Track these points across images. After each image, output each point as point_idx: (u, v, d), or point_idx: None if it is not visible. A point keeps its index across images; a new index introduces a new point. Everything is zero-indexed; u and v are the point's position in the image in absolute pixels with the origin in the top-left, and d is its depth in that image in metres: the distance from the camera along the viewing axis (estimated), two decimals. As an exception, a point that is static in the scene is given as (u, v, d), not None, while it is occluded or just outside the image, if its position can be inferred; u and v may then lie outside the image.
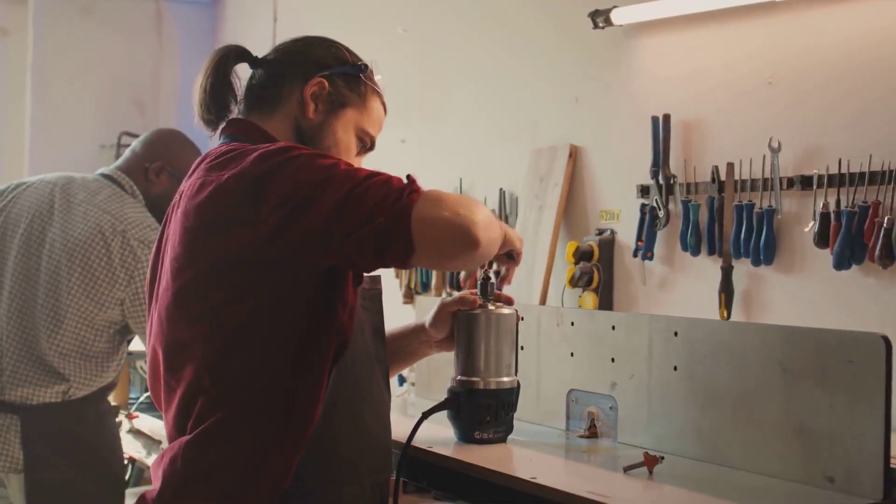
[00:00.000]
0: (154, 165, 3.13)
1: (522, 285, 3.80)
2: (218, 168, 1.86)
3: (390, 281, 4.72)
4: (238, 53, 2.08)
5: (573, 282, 3.60)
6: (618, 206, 3.63)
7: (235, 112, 2.10)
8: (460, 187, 4.28)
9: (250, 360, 1.86)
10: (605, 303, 3.58)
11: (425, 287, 4.54)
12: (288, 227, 1.76)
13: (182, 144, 3.21)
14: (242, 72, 2.12)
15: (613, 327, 2.50)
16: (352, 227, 1.74)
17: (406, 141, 4.69)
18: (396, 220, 1.73)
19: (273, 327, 1.86)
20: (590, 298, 3.59)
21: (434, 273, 4.46)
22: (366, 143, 2.12)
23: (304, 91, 2.02)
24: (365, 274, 1.97)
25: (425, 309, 2.61)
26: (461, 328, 2.34)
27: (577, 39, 3.73)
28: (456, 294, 2.41)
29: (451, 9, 4.47)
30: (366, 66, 2.09)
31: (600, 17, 3.51)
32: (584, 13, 3.54)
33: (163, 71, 6.30)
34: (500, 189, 4.08)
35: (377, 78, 2.12)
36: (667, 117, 3.36)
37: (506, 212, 4.06)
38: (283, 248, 1.79)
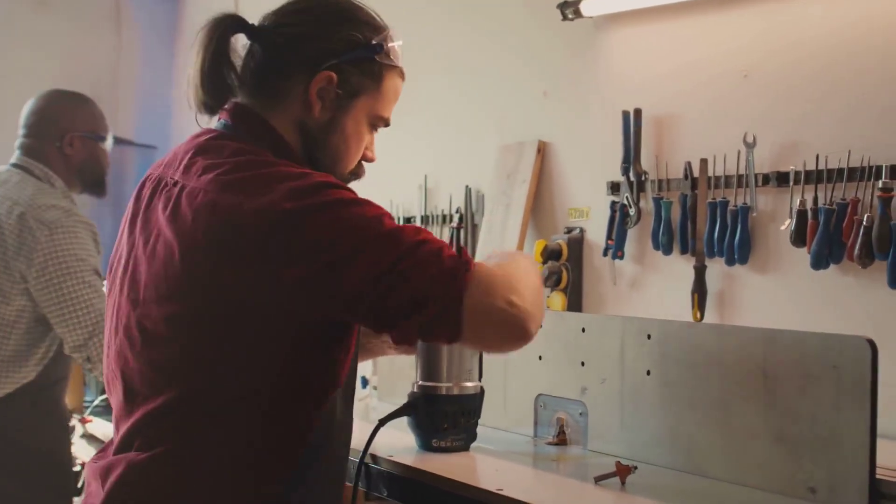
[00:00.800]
0: (66, 139, 3.09)
1: (489, 285, 3.68)
2: (234, 189, 1.63)
3: None
4: (235, 23, 1.81)
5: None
6: (587, 203, 3.54)
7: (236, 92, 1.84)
8: (425, 184, 4.17)
9: (235, 398, 1.69)
10: (574, 303, 3.48)
11: None
12: (315, 284, 1.58)
13: (75, 103, 3.13)
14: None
15: (584, 329, 2.41)
16: (394, 307, 1.57)
17: None
18: (447, 310, 1.56)
19: (264, 370, 1.69)
20: (558, 299, 3.49)
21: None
22: (378, 127, 1.90)
23: (308, 88, 1.79)
24: None
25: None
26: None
27: (546, 31, 3.64)
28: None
29: None
30: (381, 45, 1.82)
31: (569, 9, 3.42)
32: (553, 4, 3.45)
33: (122, 65, 6.14)
34: (466, 186, 3.98)
35: (395, 50, 1.85)
36: (638, 112, 3.28)
37: (471, 210, 3.95)
38: (302, 301, 1.61)
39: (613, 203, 3.37)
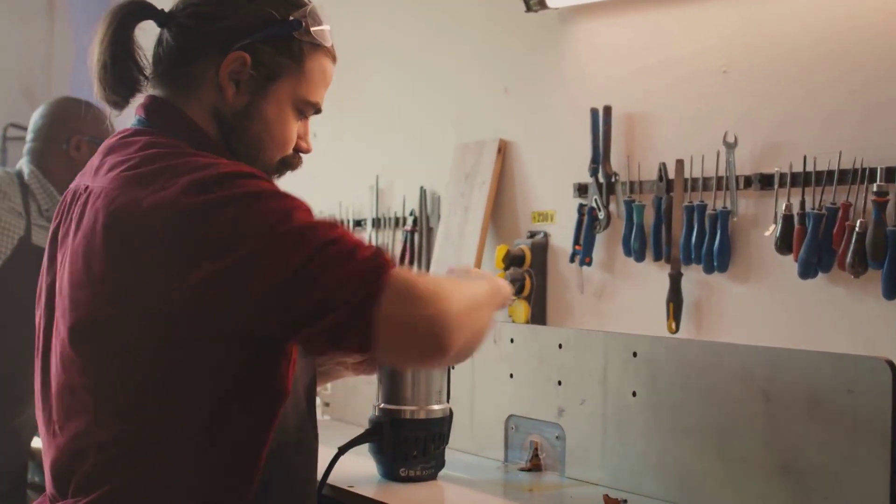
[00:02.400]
0: (72, 142, 3.15)
1: (447, 293, 3.48)
2: (135, 184, 1.52)
3: None
4: (141, 9, 1.70)
5: None
6: (552, 206, 3.38)
7: (146, 85, 1.74)
8: (376, 185, 4.01)
9: (161, 420, 1.55)
10: (538, 313, 3.32)
11: None
12: (219, 288, 1.46)
13: (84, 109, 3.10)
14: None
15: (561, 345, 2.25)
16: (297, 316, 1.45)
17: (317, 135, 4.33)
18: (355, 317, 1.42)
19: (192, 385, 1.54)
20: (521, 308, 3.30)
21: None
22: (307, 112, 1.77)
23: (219, 71, 1.67)
24: None
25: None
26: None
27: (508, 23, 3.47)
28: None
29: None
30: (300, 21, 1.70)
31: None
32: None
33: (55, 59, 5.92)
34: (421, 188, 3.81)
35: (320, 29, 1.75)
36: (608, 109, 3.13)
37: (426, 213, 3.76)
38: (207, 307, 1.48)
39: (581, 206, 3.20)
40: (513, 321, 3.33)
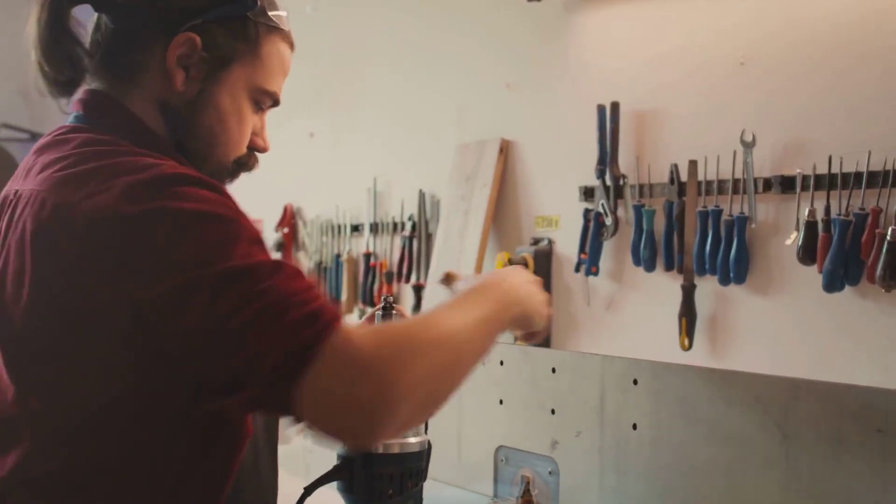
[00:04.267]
0: None
1: (444, 304, 3.27)
2: (69, 185, 1.34)
3: None
4: None
5: None
6: (557, 210, 3.18)
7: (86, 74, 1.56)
8: (374, 188, 3.82)
9: (102, 455, 1.36)
10: None
11: (335, 302, 4.00)
12: (140, 317, 1.27)
13: None
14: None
15: (554, 370, 2.04)
16: (210, 384, 1.25)
17: (315, 135, 4.19)
18: (273, 395, 1.21)
19: (138, 415, 1.35)
20: (523, 320, 3.05)
21: (345, 284, 3.94)
22: (264, 103, 1.58)
23: (166, 55, 1.48)
24: None
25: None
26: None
27: (510, 14, 3.30)
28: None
29: None
30: (254, 1, 1.52)
31: None
32: None
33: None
34: (420, 190, 3.65)
35: (276, 14, 1.57)
36: (615, 106, 2.93)
37: (426, 217, 3.53)
38: (139, 332, 1.29)
39: (587, 211, 3.02)
40: (514, 334, 3.10)
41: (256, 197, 4.63)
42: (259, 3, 1.53)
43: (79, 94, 1.53)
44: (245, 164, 1.60)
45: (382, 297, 1.85)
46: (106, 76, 1.52)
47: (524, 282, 1.54)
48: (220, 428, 1.40)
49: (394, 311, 1.86)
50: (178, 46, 1.47)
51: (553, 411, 2.01)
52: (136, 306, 1.26)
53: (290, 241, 4.31)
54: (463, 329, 1.34)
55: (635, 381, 1.86)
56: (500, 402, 2.14)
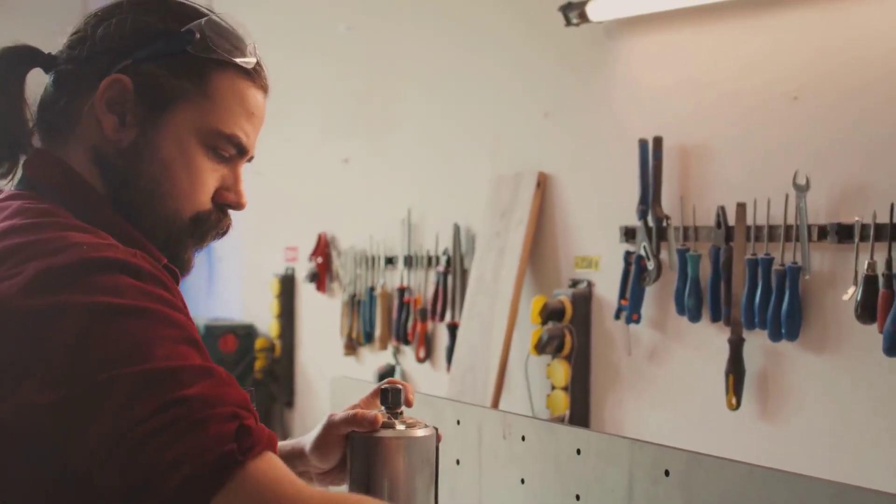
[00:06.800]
0: None
1: (477, 351, 3.13)
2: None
3: (329, 328, 4.08)
4: (28, 55, 1.41)
5: (539, 347, 2.95)
6: (597, 251, 2.99)
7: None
8: (408, 219, 3.66)
9: None
10: (581, 375, 2.93)
11: (369, 338, 3.92)
12: (48, 426, 1.14)
13: None
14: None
15: (579, 451, 1.84)
16: (112, 492, 1.11)
17: (349, 160, 4.02)
18: None
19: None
20: (561, 368, 2.89)
21: (378, 319, 3.77)
22: (225, 151, 1.40)
23: (95, 101, 1.35)
24: None
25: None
26: (357, 457, 1.67)
27: (547, 41, 3.12)
28: (349, 408, 1.68)
29: (402, 4, 3.88)
30: (193, 32, 1.36)
31: (574, 12, 2.91)
32: (555, 7, 2.94)
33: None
34: (455, 224, 3.46)
35: (234, 48, 1.39)
36: (658, 141, 2.75)
37: (461, 252, 3.37)
38: (46, 444, 1.16)
39: (628, 253, 2.83)
40: (552, 383, 2.91)
41: (290, 223, 4.52)
42: (199, 35, 1.37)
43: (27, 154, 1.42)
44: (211, 221, 1.44)
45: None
46: (47, 132, 1.41)
47: None
48: None
49: (397, 387, 1.69)
50: (105, 90, 1.34)
51: (578, 497, 1.82)
52: (34, 414, 1.13)
53: (323, 272, 4.15)
54: None
55: (667, 473, 1.66)
56: (522, 481, 1.95)
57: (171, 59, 1.37)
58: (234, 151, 1.40)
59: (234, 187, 1.43)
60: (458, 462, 2.05)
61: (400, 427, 1.67)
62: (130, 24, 1.37)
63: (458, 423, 2.08)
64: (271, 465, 1.10)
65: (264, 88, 1.44)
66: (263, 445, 1.10)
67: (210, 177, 1.40)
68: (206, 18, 1.39)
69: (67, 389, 1.12)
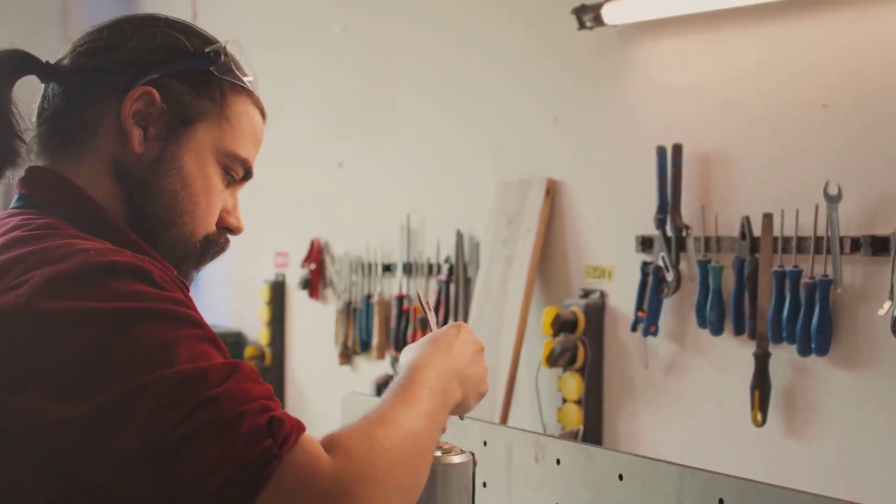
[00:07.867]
0: None
1: (485, 362, 3.00)
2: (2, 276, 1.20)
3: (322, 336, 4.00)
4: (21, 62, 1.36)
5: (552, 359, 2.87)
6: (610, 260, 2.91)
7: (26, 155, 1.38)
8: (408, 225, 3.57)
9: None
10: (594, 389, 2.86)
11: (365, 346, 3.84)
12: (64, 441, 1.11)
13: None
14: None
15: (621, 476, 1.75)
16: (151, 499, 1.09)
17: (344, 164, 3.94)
18: None
19: None
20: (572, 382, 2.82)
21: (375, 328, 3.69)
22: (235, 173, 1.40)
23: (121, 111, 1.32)
24: None
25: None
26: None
27: (559, 43, 3.04)
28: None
29: (400, 3, 3.79)
30: (218, 52, 1.37)
31: (588, 15, 2.84)
32: (567, 9, 2.87)
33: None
34: (457, 231, 3.38)
35: (245, 77, 1.40)
36: (677, 148, 2.67)
37: (464, 260, 3.27)
38: (60, 458, 1.13)
39: (645, 264, 2.75)
40: (563, 396, 2.83)
41: (282, 228, 4.42)
42: (223, 58, 1.38)
43: (21, 172, 1.37)
44: (215, 243, 1.43)
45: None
46: (51, 147, 1.37)
47: (467, 354, 1.41)
48: None
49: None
50: (133, 101, 1.32)
51: (619, 526, 1.73)
52: (47, 427, 1.10)
53: (317, 279, 4.05)
54: (421, 429, 1.25)
55: (721, 502, 1.58)
56: (557, 507, 1.86)
57: (195, 78, 1.36)
58: (241, 174, 1.41)
59: (233, 211, 1.44)
60: (484, 485, 1.97)
61: (436, 453, 1.60)
62: (160, 39, 1.36)
63: (485, 444, 1.99)
64: (306, 448, 1.09)
65: (265, 115, 1.46)
66: (296, 433, 1.09)
67: (220, 198, 1.40)
68: (228, 41, 1.39)
69: (91, 401, 1.09)
